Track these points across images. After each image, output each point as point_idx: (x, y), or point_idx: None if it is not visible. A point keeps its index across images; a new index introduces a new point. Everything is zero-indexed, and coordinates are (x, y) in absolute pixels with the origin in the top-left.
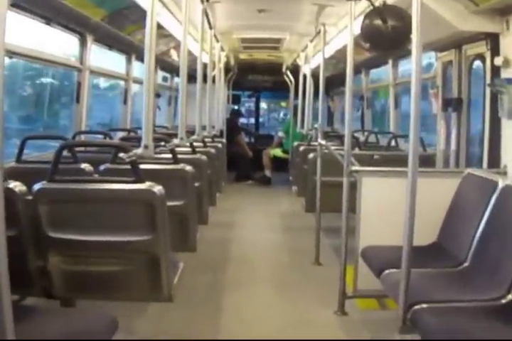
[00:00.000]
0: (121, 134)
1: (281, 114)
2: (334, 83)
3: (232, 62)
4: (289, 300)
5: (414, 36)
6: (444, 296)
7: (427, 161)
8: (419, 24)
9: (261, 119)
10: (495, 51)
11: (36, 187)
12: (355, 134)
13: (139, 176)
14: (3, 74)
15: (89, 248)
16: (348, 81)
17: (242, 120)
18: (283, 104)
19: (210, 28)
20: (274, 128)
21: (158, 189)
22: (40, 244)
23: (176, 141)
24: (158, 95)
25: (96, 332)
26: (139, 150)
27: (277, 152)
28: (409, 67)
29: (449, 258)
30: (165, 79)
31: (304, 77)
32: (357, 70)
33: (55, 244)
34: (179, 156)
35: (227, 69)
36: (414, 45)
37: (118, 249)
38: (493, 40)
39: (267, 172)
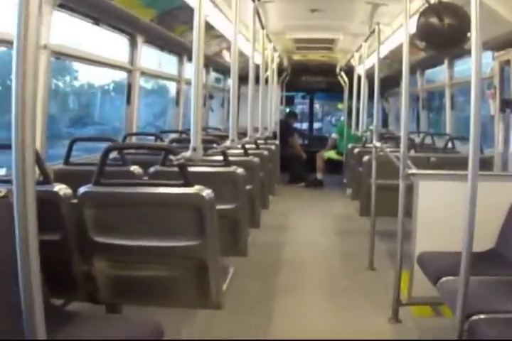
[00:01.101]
0: (172, 136)
1: (337, 118)
2: (389, 84)
3: (285, 62)
4: (342, 306)
5: (473, 34)
6: (504, 306)
7: (484, 164)
8: (478, 21)
9: (316, 125)
10: None
11: (81, 190)
12: (411, 136)
13: (188, 179)
14: (48, 77)
15: (135, 253)
16: (404, 81)
17: (296, 125)
18: (340, 106)
19: (262, 27)
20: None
21: (207, 193)
22: (85, 248)
23: (227, 142)
24: (211, 96)
25: (140, 338)
26: (188, 153)
27: (331, 154)
28: (463, 67)
29: (508, 266)
30: (218, 80)
31: (359, 77)
32: (412, 71)
33: (101, 249)
34: (231, 158)
35: (281, 70)
36: (474, 43)
37: (165, 254)
38: None
39: (319, 175)
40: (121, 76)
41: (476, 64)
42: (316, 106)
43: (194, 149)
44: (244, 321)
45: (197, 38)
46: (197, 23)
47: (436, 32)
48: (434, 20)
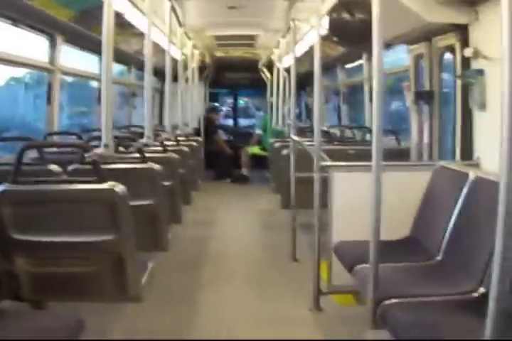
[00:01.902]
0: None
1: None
2: (311, 78)
3: (207, 59)
4: (265, 297)
5: (374, 29)
6: (415, 291)
7: (402, 155)
8: (379, 15)
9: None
10: (464, 42)
11: None
12: (332, 130)
13: (101, 175)
14: None
15: (54, 249)
16: (316, 76)
17: (223, 120)
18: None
19: (180, 25)
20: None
21: (120, 188)
22: (4, 246)
23: (143, 139)
24: (134, 94)
25: (59, 333)
26: (100, 150)
27: (255, 149)
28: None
29: (422, 252)
30: (141, 78)
31: (278, 73)
32: (333, 65)
33: (21, 246)
34: (149, 155)
35: (203, 67)
36: (375, 38)
37: (83, 249)
38: (463, 32)
39: (244, 171)
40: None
41: (378, 57)
42: (249, 101)
43: (106, 146)
44: (168, 314)
45: (106, 32)
46: (106, 17)
47: (348, 27)
48: (345, 15)
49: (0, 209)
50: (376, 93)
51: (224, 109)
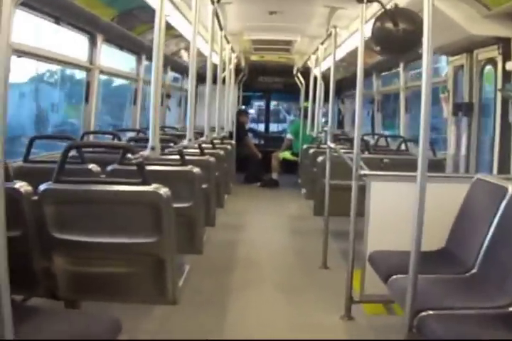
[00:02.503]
0: (130, 134)
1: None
2: (345, 86)
3: (243, 63)
4: (295, 304)
5: (424, 39)
6: (452, 303)
7: (436, 166)
8: (430, 27)
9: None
10: (506, 56)
11: (42, 187)
12: (365, 138)
13: (146, 178)
14: (8, 75)
15: (94, 249)
16: (359, 83)
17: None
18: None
19: (221, 29)
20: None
21: (164, 191)
22: (45, 244)
23: (184, 142)
24: (168, 96)
25: (98, 334)
26: (146, 152)
27: (286, 154)
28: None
29: (458, 264)
30: (176, 79)
31: (315, 79)
32: (368, 73)
33: (60, 245)
34: (187, 158)
35: (238, 70)
36: (425, 49)
37: (123, 250)
38: (505, 45)
39: (274, 175)
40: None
41: (427, 67)
42: (280, 106)
43: (152, 148)
44: (200, 317)
45: (157, 38)
46: (158, 24)
47: (391, 37)
48: (389, 25)
49: (42, 208)
50: (425, 103)
51: (251, 111)
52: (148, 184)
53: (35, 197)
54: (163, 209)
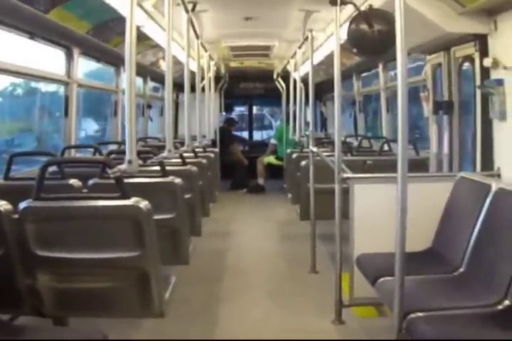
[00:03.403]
0: (111, 147)
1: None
2: (326, 88)
3: (222, 70)
4: (286, 310)
5: (398, 39)
6: (440, 303)
7: (420, 165)
8: (403, 27)
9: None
10: (483, 52)
11: (22, 205)
12: (348, 139)
13: (125, 192)
14: None
15: (77, 265)
16: (336, 86)
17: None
18: None
19: (197, 37)
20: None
21: (144, 204)
22: (27, 262)
23: (164, 153)
24: (149, 106)
25: None
26: (123, 166)
27: (271, 159)
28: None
29: (445, 264)
30: (156, 89)
31: (295, 83)
32: (348, 75)
33: (43, 263)
34: (169, 168)
35: (218, 77)
36: (399, 48)
37: (106, 265)
38: (482, 42)
39: (260, 181)
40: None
41: (402, 67)
42: (265, 112)
43: (129, 162)
44: (189, 329)
45: (129, 47)
46: (129, 32)
47: (366, 38)
48: (364, 26)
49: (23, 226)
50: (401, 103)
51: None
52: (128, 198)
53: (16, 216)
54: (143, 223)
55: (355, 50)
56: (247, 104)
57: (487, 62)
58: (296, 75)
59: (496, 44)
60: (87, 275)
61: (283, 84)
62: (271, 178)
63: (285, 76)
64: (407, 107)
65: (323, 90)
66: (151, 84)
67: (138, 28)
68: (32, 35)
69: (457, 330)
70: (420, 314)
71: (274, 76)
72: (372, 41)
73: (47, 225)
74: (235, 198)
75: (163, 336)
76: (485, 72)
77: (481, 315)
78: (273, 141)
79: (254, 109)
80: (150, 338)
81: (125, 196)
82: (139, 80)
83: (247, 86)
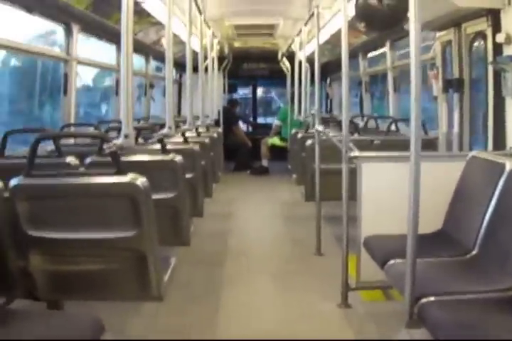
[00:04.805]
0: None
1: None
2: (331, 68)
3: (226, 50)
4: (291, 293)
5: (411, 10)
6: (453, 287)
7: (429, 145)
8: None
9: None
10: (496, 28)
11: (12, 182)
12: (354, 120)
13: (120, 167)
14: None
15: (71, 246)
16: (344, 65)
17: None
18: None
19: (200, 12)
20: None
21: (141, 181)
22: (19, 243)
23: (164, 130)
24: (152, 86)
25: (78, 335)
26: (119, 140)
27: (275, 140)
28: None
29: (456, 246)
30: (160, 70)
31: (300, 63)
32: (354, 54)
33: (36, 243)
34: (170, 147)
35: (222, 57)
36: (412, 23)
37: (101, 246)
38: (494, 17)
39: (264, 162)
40: None
41: (415, 44)
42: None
43: (126, 136)
44: (190, 312)
45: (125, 20)
46: (125, 6)
47: (376, 12)
48: (373, 1)
49: (14, 204)
50: (415, 81)
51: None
52: (124, 174)
53: (7, 194)
54: (141, 201)
55: (363, 26)
56: (251, 85)
57: (500, 37)
58: (301, 55)
59: (509, 19)
60: (81, 256)
61: (287, 65)
62: (275, 160)
63: (290, 56)
64: (420, 84)
65: (328, 71)
66: (154, 64)
67: (138, 3)
68: (30, 10)
69: (471, 316)
70: (432, 298)
71: (279, 57)
72: (381, 16)
73: (39, 204)
74: (239, 180)
75: (162, 320)
76: (497, 48)
77: (495, 299)
78: (277, 122)
79: (261, 92)
80: (148, 322)
81: (121, 172)
82: (141, 59)
83: (251, 66)
